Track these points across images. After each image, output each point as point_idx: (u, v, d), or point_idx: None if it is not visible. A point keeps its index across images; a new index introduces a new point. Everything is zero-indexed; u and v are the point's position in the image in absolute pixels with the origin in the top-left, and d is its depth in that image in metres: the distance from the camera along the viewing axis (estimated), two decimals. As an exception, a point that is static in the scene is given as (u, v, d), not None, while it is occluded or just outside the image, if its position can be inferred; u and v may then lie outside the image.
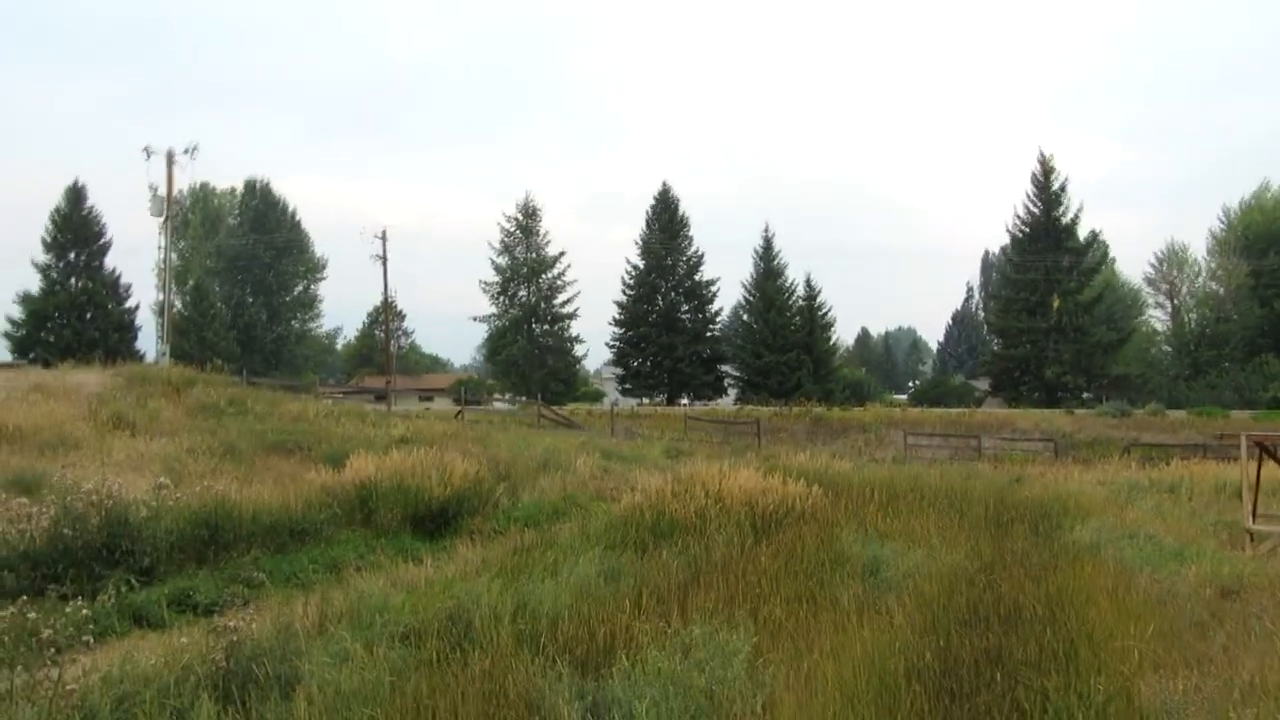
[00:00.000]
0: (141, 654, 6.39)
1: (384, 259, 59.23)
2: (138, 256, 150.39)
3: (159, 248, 45.38)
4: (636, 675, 5.52)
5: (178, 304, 67.31)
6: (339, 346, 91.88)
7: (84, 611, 6.31)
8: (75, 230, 61.66)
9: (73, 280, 61.68)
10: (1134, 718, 4.88)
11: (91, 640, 6.37)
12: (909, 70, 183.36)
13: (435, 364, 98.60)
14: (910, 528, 12.06)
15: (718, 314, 70.69)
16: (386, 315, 66.87)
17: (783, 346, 63.80)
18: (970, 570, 9.72)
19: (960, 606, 7.92)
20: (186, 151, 44.10)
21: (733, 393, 68.05)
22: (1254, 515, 14.13)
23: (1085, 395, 60.12)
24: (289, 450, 18.53)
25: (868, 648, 6.20)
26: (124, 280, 63.49)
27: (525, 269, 68.39)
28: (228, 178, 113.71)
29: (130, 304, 63.74)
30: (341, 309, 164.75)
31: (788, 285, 67.60)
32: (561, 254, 69.16)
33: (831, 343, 69.43)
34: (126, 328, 62.68)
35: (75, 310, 60.58)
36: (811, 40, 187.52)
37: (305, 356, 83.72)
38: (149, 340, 61.59)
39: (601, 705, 5.27)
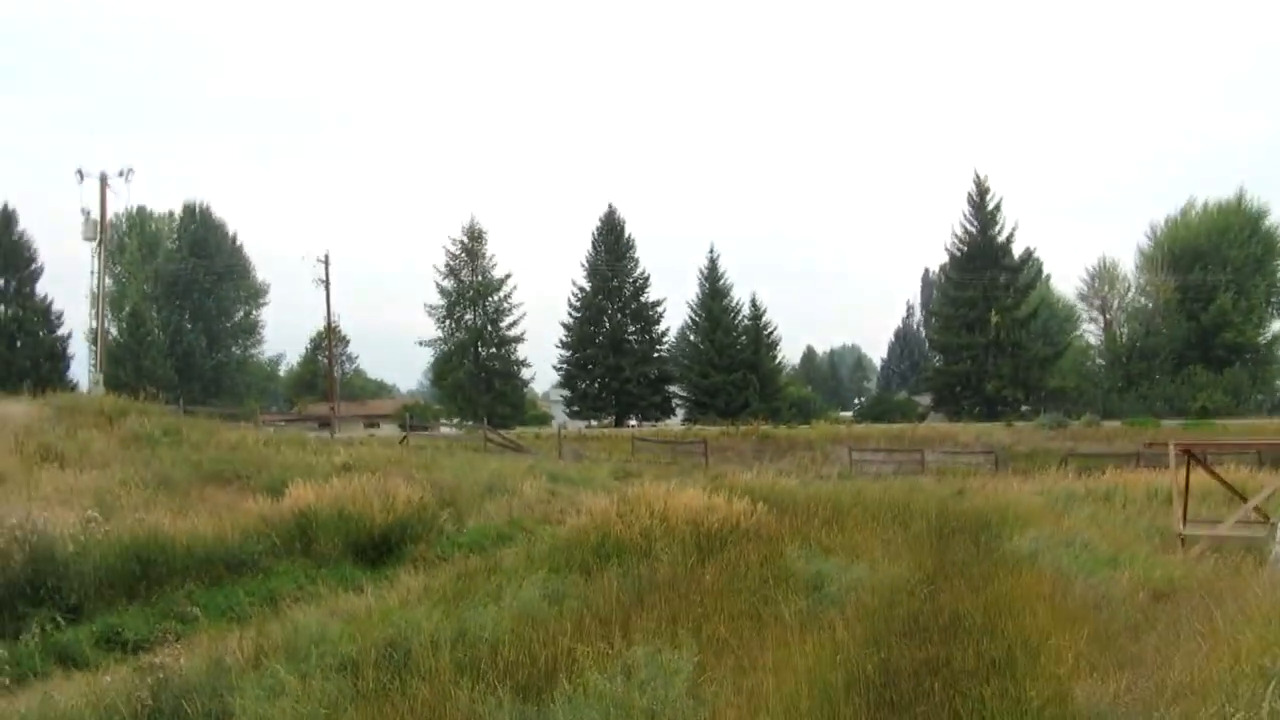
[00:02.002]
0: (63, 695, 6.15)
1: (327, 283, 58.51)
2: (70, 282, 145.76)
3: (92, 273, 44.16)
4: (578, 698, 5.47)
5: (113, 331, 65.64)
6: (281, 373, 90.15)
7: (1, 653, 6.06)
8: (5, 255, 59.96)
9: (2, 307, 59.79)
10: (1068, 721, 4.96)
11: (8, 682, 6.12)
12: (850, 91, 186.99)
13: (381, 389, 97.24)
14: (854, 542, 12.17)
15: (664, 335, 70.97)
16: (330, 340, 65.86)
17: (729, 366, 64.21)
18: (912, 582, 9.82)
19: (902, 618, 8.00)
20: (121, 174, 43.08)
21: (680, 413, 68.23)
22: (1184, 520, 14.55)
23: (1024, 408, 61.44)
24: (226, 480, 18.11)
25: (810, 661, 6.22)
26: (56, 307, 61.85)
27: (471, 292, 67.92)
28: (166, 201, 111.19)
29: (62, 331, 62.04)
30: (284, 334, 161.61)
31: (733, 305, 68.17)
32: (508, 276, 68.93)
33: (777, 361, 70.07)
34: (58, 356, 60.88)
35: (4, 338, 58.74)
36: (752, 62, 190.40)
37: (246, 384, 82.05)
38: (82, 369, 59.89)
39: (542, 730, 5.21)
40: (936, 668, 6.31)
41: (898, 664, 6.42)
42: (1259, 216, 65.76)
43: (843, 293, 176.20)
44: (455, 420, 59.41)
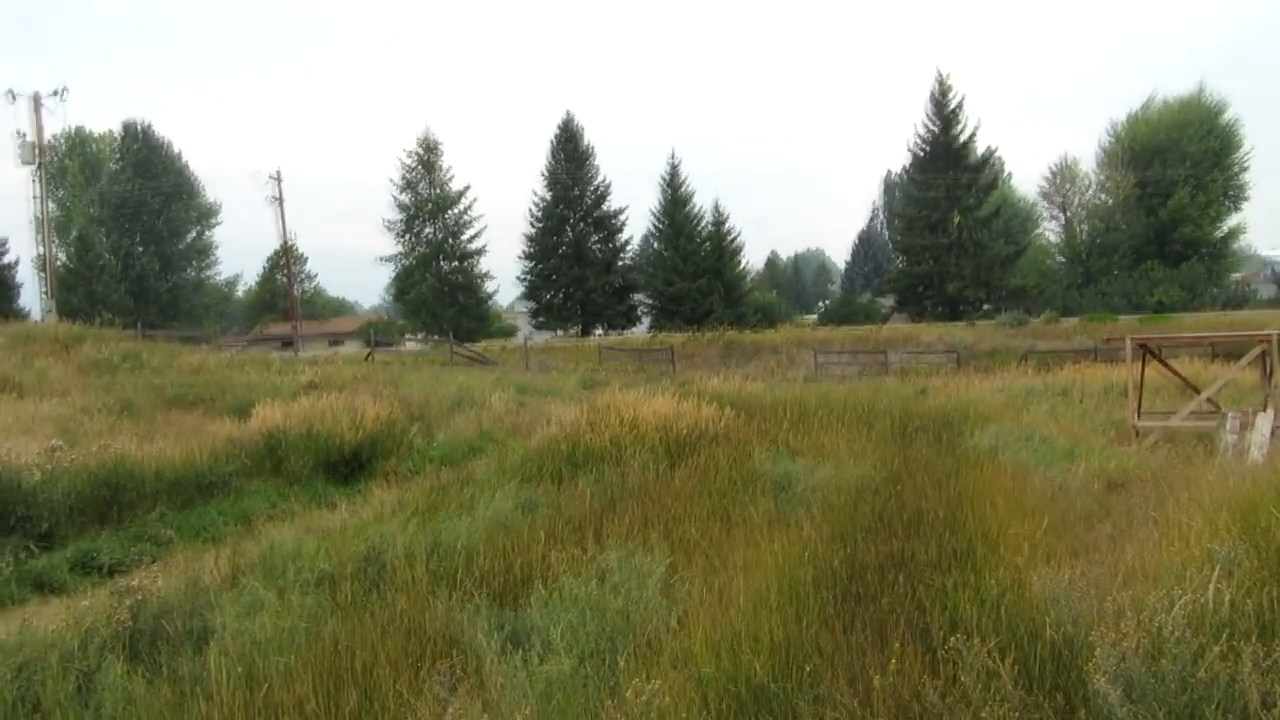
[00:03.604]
0: (43, 620, 6.19)
1: (280, 201, 57.16)
2: (10, 209, 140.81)
3: (34, 198, 42.67)
4: (553, 603, 5.60)
5: (61, 257, 63.82)
6: (239, 294, 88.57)
7: (-26, 580, 6.06)
8: (-61, 183, 57.66)
9: (-59, 237, 57.85)
10: (1025, 606, 5.16)
11: (-15, 609, 6.13)
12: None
13: (343, 307, 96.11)
14: (820, 443, 12.39)
15: (627, 243, 70.47)
16: (287, 259, 64.67)
17: (693, 273, 64.09)
18: (877, 480, 10.05)
19: (866, 515, 8.21)
20: (55, 94, 41.47)
21: (646, 321, 68.29)
22: (1138, 413, 14.96)
23: (985, 307, 62.22)
24: (190, 403, 17.96)
25: (778, 560, 6.40)
26: (-1, 234, 59.80)
27: (429, 205, 66.67)
28: (105, 121, 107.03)
29: (8, 259, 60.15)
30: (240, 255, 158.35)
31: (696, 212, 67.63)
32: (466, 189, 67.62)
33: (741, 267, 69.99)
34: (7, 285, 59.30)
35: (-53, 269, 57.01)
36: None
37: (204, 306, 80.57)
38: (33, 297, 58.35)
39: (520, 633, 5.34)
40: (900, 561, 6.52)
41: (863, 559, 6.62)
42: (1218, 111, 65.90)
43: (806, 196, 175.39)
44: (420, 336, 59.01)
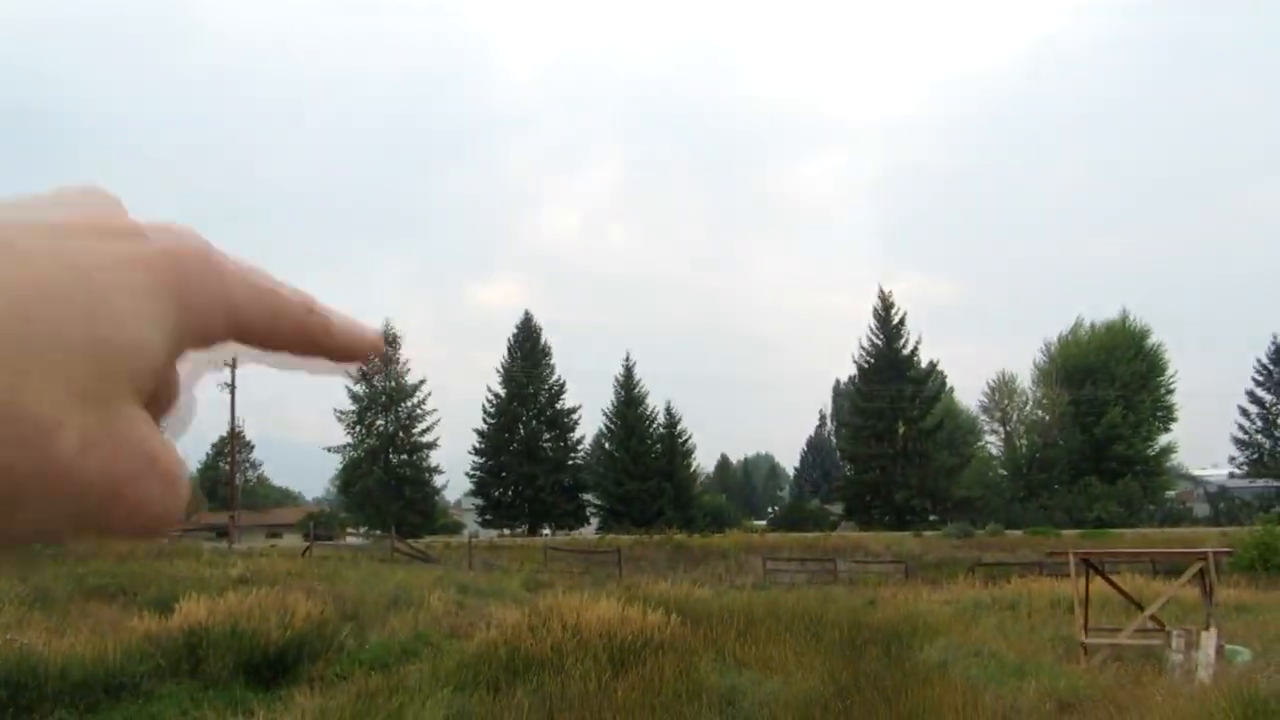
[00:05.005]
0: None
1: (232, 387, 56.74)
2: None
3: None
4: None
5: (-5, 437, 62.00)
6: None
7: None
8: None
9: None
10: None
11: None
12: (762, 214, 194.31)
13: (286, 497, 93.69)
14: (768, 654, 12.06)
15: (579, 442, 70.62)
16: (233, 448, 63.51)
17: (644, 474, 64.11)
18: (826, 695, 9.74)
19: (815, 733, 7.91)
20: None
21: (595, 521, 67.46)
22: (1085, 629, 14.87)
23: (932, 517, 62.65)
24: (111, 595, 17.10)
25: (722, 782, 6.08)
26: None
27: (384, 397, 66.79)
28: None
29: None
30: (184, 439, 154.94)
31: (649, 413, 68.50)
32: (422, 382, 68.15)
33: (692, 470, 70.28)
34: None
35: None
36: (669, 174, 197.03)
37: (140, 492, 77.98)
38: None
39: None
40: (849, 785, 6.23)
41: (811, 782, 6.32)
42: (1142, 335, 70.04)
43: (757, 402, 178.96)
44: (363, 529, 57.40)
